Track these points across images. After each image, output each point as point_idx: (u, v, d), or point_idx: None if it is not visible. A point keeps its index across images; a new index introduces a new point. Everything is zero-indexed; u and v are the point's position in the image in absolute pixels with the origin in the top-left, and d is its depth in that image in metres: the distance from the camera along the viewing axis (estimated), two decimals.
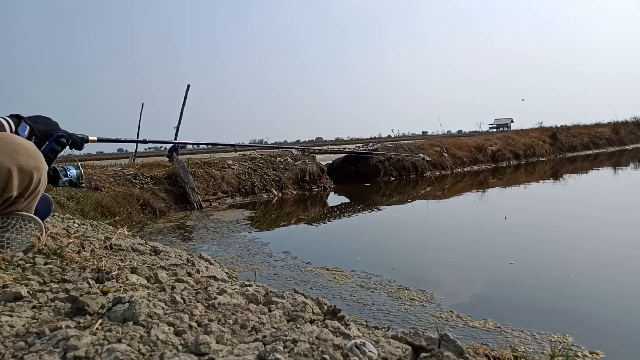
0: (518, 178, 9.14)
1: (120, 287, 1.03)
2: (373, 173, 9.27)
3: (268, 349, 0.74)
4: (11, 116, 1.31)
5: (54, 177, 1.47)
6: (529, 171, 10.35)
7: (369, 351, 0.78)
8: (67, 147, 1.45)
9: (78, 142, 1.49)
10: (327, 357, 0.74)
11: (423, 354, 0.81)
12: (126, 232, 1.83)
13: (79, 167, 1.54)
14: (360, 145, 10.33)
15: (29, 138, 1.29)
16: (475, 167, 10.98)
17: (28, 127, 1.30)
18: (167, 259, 1.52)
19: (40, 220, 1.32)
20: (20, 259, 1.17)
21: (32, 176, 1.19)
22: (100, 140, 1.64)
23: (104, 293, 0.97)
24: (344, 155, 9.90)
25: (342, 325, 0.92)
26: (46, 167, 1.28)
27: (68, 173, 1.49)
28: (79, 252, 1.32)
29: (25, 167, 1.17)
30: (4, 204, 1.19)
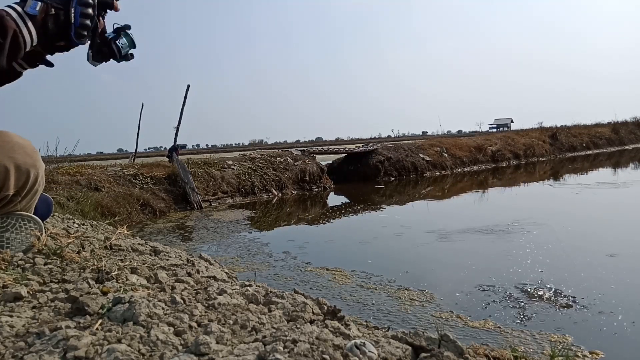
0: (518, 178, 9.15)
1: (120, 287, 1.03)
2: (373, 173, 9.27)
3: (268, 349, 0.74)
4: None
5: (109, 52, 1.22)
6: (529, 171, 10.35)
7: (369, 351, 0.78)
8: (96, 6, 1.18)
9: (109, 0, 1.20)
10: (327, 357, 0.74)
11: (423, 354, 0.81)
12: (126, 232, 1.83)
13: (128, 34, 1.26)
14: (360, 145, 10.34)
15: (46, 14, 1.07)
16: (475, 167, 10.98)
17: (39, 2, 1.07)
18: (167, 259, 1.52)
19: (40, 220, 1.32)
20: (20, 259, 1.17)
21: (28, 174, 1.19)
22: None
23: (104, 293, 0.97)
24: (344, 155, 9.90)
25: (342, 325, 0.92)
26: (43, 166, 1.27)
27: (119, 44, 1.23)
28: (78, 252, 1.32)
29: (22, 165, 1.17)
30: (1, 202, 1.19)
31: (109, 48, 1.22)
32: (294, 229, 4.84)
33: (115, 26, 1.24)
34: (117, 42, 1.23)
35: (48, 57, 1.18)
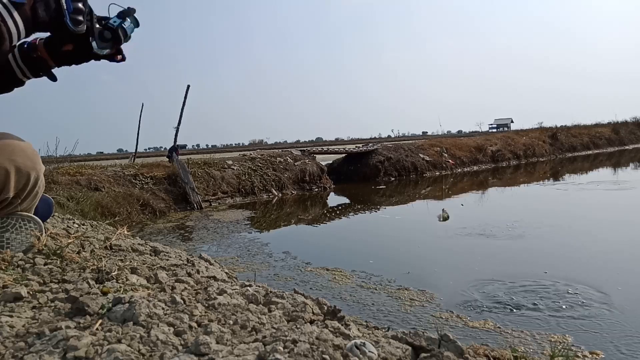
0: (518, 178, 9.15)
1: (120, 287, 1.03)
2: (373, 173, 9.27)
3: (268, 349, 0.74)
4: None
5: (114, 38, 1.11)
6: (529, 171, 10.35)
7: (369, 351, 0.78)
8: None
9: None
10: (327, 357, 0.74)
11: (423, 354, 0.81)
12: (126, 232, 1.83)
13: (134, 16, 1.16)
14: (360, 145, 10.34)
15: (34, 1, 0.98)
16: (475, 167, 10.98)
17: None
18: (167, 260, 1.52)
19: (40, 221, 1.32)
20: (20, 259, 1.17)
21: (29, 177, 1.19)
22: None
23: (104, 293, 0.97)
24: (344, 155, 9.91)
25: (342, 325, 0.92)
26: (43, 168, 1.27)
27: (126, 27, 1.13)
28: (78, 253, 1.32)
29: (23, 168, 1.17)
30: (1, 204, 1.19)
31: (113, 33, 1.12)
32: (294, 229, 4.84)
33: (117, 10, 1.15)
34: (123, 26, 1.13)
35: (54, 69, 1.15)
